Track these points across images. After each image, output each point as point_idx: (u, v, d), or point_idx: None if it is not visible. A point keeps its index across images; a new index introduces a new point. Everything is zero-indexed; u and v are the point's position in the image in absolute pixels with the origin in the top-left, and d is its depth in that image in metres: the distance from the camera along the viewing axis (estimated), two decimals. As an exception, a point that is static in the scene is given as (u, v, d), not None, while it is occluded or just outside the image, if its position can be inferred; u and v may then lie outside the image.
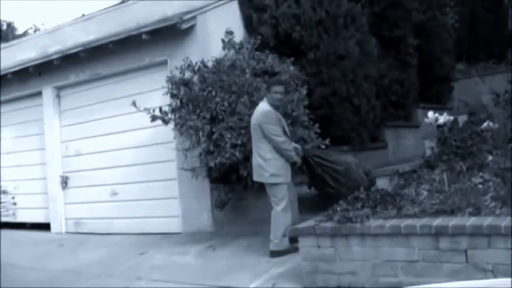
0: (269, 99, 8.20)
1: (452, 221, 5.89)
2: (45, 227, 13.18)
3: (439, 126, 8.81)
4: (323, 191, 8.69)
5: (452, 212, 6.14)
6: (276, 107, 8.21)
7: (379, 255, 6.23)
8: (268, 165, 8.11)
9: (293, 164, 8.33)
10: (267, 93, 8.31)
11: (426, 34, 12.84)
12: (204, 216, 10.17)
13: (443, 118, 8.83)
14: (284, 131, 8.24)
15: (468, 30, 16.29)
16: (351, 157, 9.12)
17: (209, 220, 10.14)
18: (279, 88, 8.26)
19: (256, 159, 8.22)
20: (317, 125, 9.30)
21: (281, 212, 8.09)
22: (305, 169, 8.72)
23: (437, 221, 5.97)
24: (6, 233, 12.36)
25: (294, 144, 8.36)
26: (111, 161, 11.86)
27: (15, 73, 13.27)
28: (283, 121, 8.31)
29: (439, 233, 5.86)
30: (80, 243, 11.30)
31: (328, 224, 6.60)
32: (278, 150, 8.10)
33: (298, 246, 7.34)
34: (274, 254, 8.07)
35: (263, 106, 8.21)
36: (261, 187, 8.90)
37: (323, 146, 9.26)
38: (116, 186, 11.83)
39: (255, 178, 8.34)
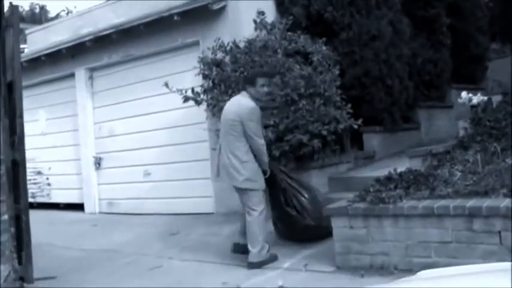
0: (253, 94, 7.46)
1: (486, 202, 5.86)
2: (79, 207, 13.33)
3: (472, 106, 8.71)
4: (282, 211, 7.86)
5: (486, 193, 6.10)
6: (258, 103, 7.51)
7: (412, 236, 6.21)
8: (244, 168, 7.34)
9: (264, 173, 7.54)
10: (248, 87, 7.55)
11: (460, 13, 12.68)
12: (237, 197, 10.17)
13: (477, 98, 8.73)
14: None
15: (502, 9, 16.05)
16: (318, 191, 8.38)
17: (242, 200, 10.16)
18: (265, 80, 7.59)
19: (229, 160, 7.41)
20: (349, 105, 9.27)
21: (257, 217, 7.34)
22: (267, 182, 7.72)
23: (471, 202, 5.94)
24: (41, 213, 12.50)
25: None
26: (143, 142, 11.93)
27: (48, 55, 13.38)
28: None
29: (472, 214, 5.83)
30: (113, 224, 11.41)
31: (361, 205, 6.60)
32: (256, 153, 7.38)
33: (276, 255, 7.45)
34: (253, 265, 7.30)
35: (247, 101, 7.42)
36: (296, 167, 8.92)
37: (355, 126, 9.23)
38: (148, 167, 11.91)
39: (229, 181, 7.62)
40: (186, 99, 9.64)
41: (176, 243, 9.03)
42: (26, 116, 7.38)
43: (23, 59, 11.24)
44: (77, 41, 12.65)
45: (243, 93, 7.59)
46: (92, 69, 13.17)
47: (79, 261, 8.75)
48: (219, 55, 9.66)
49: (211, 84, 9.51)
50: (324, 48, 9.56)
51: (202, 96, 9.59)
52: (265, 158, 7.49)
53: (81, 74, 13.25)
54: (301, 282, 6.48)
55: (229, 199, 10.20)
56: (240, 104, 7.46)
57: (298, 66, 9.16)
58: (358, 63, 10.12)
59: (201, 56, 9.84)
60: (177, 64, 11.11)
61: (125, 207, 12.33)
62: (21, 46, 12.67)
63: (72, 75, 13.44)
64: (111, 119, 12.71)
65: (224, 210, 10.20)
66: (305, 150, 8.96)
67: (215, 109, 9.25)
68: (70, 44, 12.84)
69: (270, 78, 7.98)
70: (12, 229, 6.98)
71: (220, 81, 9.33)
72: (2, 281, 6.93)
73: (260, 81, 7.49)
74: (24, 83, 7.56)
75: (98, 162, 12.98)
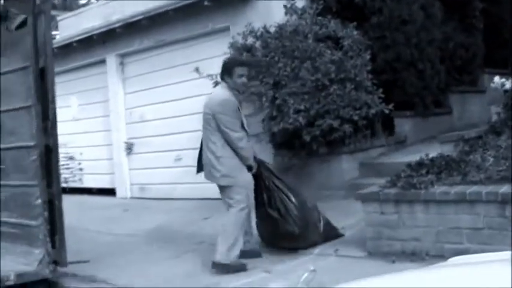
0: (231, 84, 7.04)
1: (519, 188, 5.80)
2: (110, 192, 13.44)
3: (505, 91, 8.61)
4: (264, 212, 7.27)
5: (518, 179, 6.04)
6: (237, 94, 7.13)
7: (443, 222, 6.17)
8: (220, 163, 6.95)
9: (248, 169, 7.10)
10: (225, 77, 7.12)
11: (492, -3, 12.54)
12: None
13: (510, 83, 8.63)
14: (242, 125, 7.08)
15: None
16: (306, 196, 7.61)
17: (272, 185, 10.14)
18: (243, 70, 7.12)
19: (206, 155, 7.12)
20: (380, 90, 9.23)
21: (236, 214, 6.96)
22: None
23: (504, 188, 5.87)
24: (74, 198, 12.61)
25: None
26: (174, 127, 11.97)
27: (79, 42, 13.47)
28: (241, 113, 7.14)
29: (505, 201, 5.77)
30: (144, 208, 11.48)
31: (392, 190, 6.56)
32: (232, 147, 6.93)
33: (245, 264, 6.92)
34: (219, 267, 6.89)
35: (222, 93, 7.10)
36: (327, 152, 8.89)
37: (387, 111, 9.19)
38: (179, 152, 11.95)
39: (206, 178, 7.29)
40: (217, 84, 9.66)
41: (208, 228, 9.06)
42: (58, 102, 7.46)
43: (54, 46, 11.31)
44: (108, 27, 12.73)
45: (222, 83, 7.26)
46: (123, 55, 13.24)
47: (111, 246, 8.84)
48: (250, 40, 9.66)
49: (241, 69, 9.52)
50: (355, 32, 9.50)
51: (233, 81, 9.61)
52: (244, 153, 6.99)
53: (112, 60, 13.34)
54: (332, 267, 6.47)
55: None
56: (213, 96, 7.22)
57: (329, 51, 9.13)
58: (390, 48, 10.03)
59: (231, 41, 9.84)
60: (208, 49, 11.12)
61: (156, 192, 12.40)
62: (53, 33, 12.76)
63: (103, 61, 13.53)
64: (142, 104, 12.78)
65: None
66: (336, 135, 8.95)
67: (245, 94, 9.26)
68: (101, 31, 12.92)
69: (249, 68, 7.49)
70: (46, 214, 7.08)
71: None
72: (36, 265, 7.04)
73: (238, 71, 7.05)
74: (56, 69, 7.62)
75: (129, 148, 13.07)
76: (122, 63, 13.32)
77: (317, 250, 7.17)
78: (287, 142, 9.39)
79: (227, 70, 7.12)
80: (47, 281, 7.20)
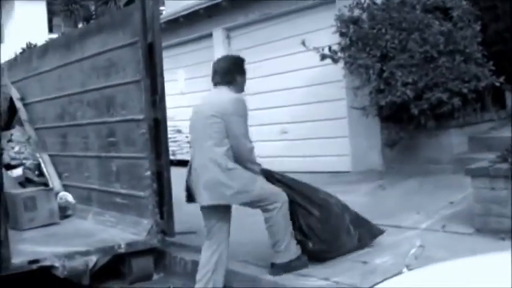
0: (240, 85, 6.34)
1: None
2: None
3: None
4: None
5: None
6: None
7: (558, 199, 5.98)
8: (231, 178, 5.66)
9: None
10: (237, 77, 6.35)
11: None
12: (374, 155, 10.10)
13: None
14: None
15: None
16: (334, 197, 6.59)
17: (379, 159, 10.06)
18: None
19: (209, 171, 5.71)
20: (491, 62, 8.97)
21: (273, 220, 5.88)
22: None
23: None
24: (181, 170, 12.79)
25: None
26: (280, 100, 12.01)
27: (185, 16, 13.66)
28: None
29: None
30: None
31: (503, 166, 6.37)
32: (241, 160, 5.84)
33: (306, 262, 6.13)
34: (280, 267, 6.02)
35: (231, 93, 6.04)
36: (436, 126, 8.74)
37: (497, 84, 8.94)
38: (285, 125, 11.98)
39: (210, 200, 5.78)
40: (323, 57, 9.61)
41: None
42: (166, 76, 7.59)
43: (161, 21, 11.53)
44: (214, 1, 12.84)
45: (224, 87, 6.20)
46: (229, 29, 13.33)
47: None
48: (356, 12, 9.54)
49: (348, 42, 9.43)
50: (464, 3, 9.25)
51: (339, 54, 9.53)
52: (256, 167, 6.04)
53: (218, 33, 13.46)
54: (439, 242, 6.35)
55: (366, 157, 10.19)
56: (219, 96, 6.03)
57: (437, 22, 8.93)
58: (501, 18, 9.75)
59: (337, 13, 9.75)
60: (313, 22, 11.08)
61: (262, 165, 12.47)
62: (160, 8, 12.99)
63: (210, 35, 13.68)
64: (248, 77, 12.77)
65: (361, 169, 10.16)
66: (444, 108, 8.78)
67: (352, 67, 9.19)
68: (207, 5, 13.05)
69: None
70: (154, 185, 7.28)
71: (357, 39, 9.24)
72: (145, 234, 7.25)
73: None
74: (163, 44, 7.75)
75: (235, 120, 13.19)
76: (228, 37, 13.43)
77: (424, 225, 7.07)
78: (394, 115, 9.27)
79: (241, 68, 6.44)
80: (155, 250, 7.40)
